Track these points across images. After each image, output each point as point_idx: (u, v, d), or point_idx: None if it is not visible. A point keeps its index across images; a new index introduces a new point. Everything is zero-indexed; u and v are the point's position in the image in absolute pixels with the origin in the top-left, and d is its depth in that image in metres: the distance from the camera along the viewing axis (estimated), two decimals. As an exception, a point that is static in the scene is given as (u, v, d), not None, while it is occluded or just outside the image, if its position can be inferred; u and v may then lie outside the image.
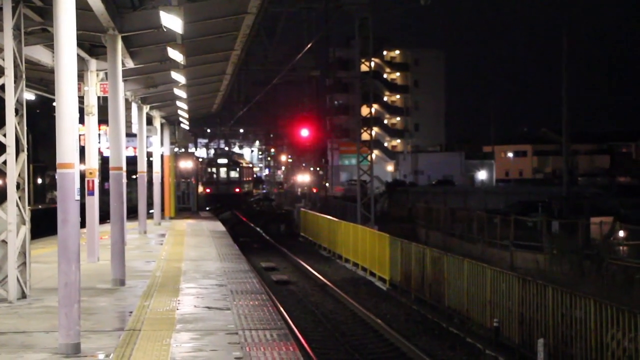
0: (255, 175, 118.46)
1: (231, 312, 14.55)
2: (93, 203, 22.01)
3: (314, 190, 79.43)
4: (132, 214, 41.72)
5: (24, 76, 15.21)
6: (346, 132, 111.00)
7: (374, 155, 53.77)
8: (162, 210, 44.28)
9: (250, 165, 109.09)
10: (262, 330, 13.00)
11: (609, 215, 39.11)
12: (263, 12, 21.93)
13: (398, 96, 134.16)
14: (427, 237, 47.50)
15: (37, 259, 21.82)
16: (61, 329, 11.25)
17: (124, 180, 19.86)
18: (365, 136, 51.76)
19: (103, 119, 21.90)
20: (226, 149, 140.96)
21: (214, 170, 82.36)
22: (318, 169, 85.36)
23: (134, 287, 17.71)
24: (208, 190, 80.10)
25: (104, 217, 27.61)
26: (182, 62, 21.41)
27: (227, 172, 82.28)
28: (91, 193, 21.88)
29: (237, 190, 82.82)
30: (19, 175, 15.09)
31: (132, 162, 35.80)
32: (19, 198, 15.07)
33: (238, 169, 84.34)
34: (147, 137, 36.89)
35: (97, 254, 22.27)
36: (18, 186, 15.05)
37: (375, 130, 66.52)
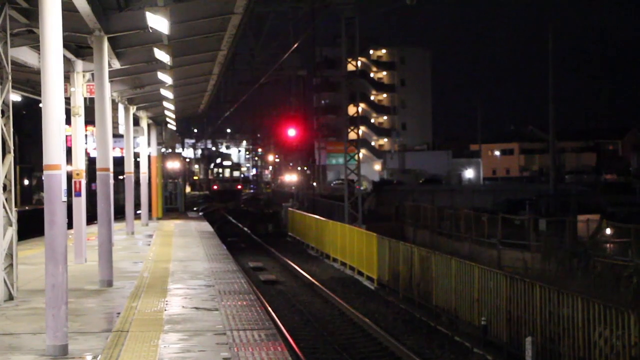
0: (243, 175, 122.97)
1: (219, 313, 14.54)
2: (80, 204, 21.95)
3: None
4: (120, 214, 41.67)
5: (9, 77, 15.17)
6: (333, 131, 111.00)
7: (361, 155, 53.80)
8: (150, 211, 44.21)
9: (243, 167, 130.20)
10: (250, 330, 13.00)
11: (596, 213, 39.27)
12: (249, 12, 21.91)
13: (385, 95, 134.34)
14: (415, 235, 47.56)
15: (24, 260, 21.75)
16: (48, 331, 11.23)
17: (111, 181, 19.83)
18: (352, 135, 51.78)
19: (90, 120, 21.87)
20: (213, 149, 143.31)
21: (220, 170, 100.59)
22: (305, 168, 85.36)
23: (121, 288, 17.68)
24: (215, 187, 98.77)
25: (91, 218, 27.56)
26: (168, 63, 21.40)
27: (231, 172, 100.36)
28: (78, 194, 21.81)
29: (239, 187, 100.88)
30: (6, 176, 15.05)
31: (119, 162, 35.76)
32: (6, 199, 15.03)
33: (239, 170, 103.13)
34: (134, 137, 36.80)
35: (85, 255, 22.22)
36: (5, 188, 15.02)
37: (362, 129, 66.62)
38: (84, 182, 21.73)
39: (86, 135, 28.64)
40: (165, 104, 35.10)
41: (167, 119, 45.59)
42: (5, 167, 15.00)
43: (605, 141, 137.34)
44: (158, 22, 16.64)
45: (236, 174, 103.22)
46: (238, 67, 58.81)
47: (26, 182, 73.58)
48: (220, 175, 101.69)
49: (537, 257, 32.67)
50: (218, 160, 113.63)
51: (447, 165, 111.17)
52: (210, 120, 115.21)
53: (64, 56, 16.24)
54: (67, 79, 21.10)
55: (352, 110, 53.02)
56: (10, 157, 15.13)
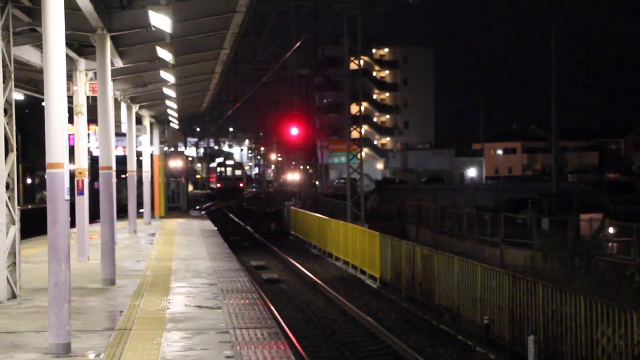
0: (246, 174, 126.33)
1: (222, 311, 14.55)
2: (83, 203, 21.97)
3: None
4: (122, 213, 41.71)
5: (12, 76, 15.18)
6: (336, 130, 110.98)
7: (363, 153, 53.81)
8: (152, 209, 44.23)
9: (246, 166, 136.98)
10: (253, 328, 13.01)
11: (599, 212, 39.22)
12: (252, 11, 21.90)
13: (387, 94, 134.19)
14: (417, 234, 47.55)
15: (27, 259, 21.78)
16: (51, 329, 11.24)
17: (114, 180, 19.84)
18: (354, 134, 51.77)
19: (92, 119, 21.87)
20: (216, 148, 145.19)
21: (223, 169, 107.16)
22: (308, 167, 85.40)
23: (124, 287, 17.70)
24: (219, 185, 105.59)
25: (94, 217, 27.56)
26: (171, 62, 21.38)
27: (233, 171, 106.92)
28: (81, 193, 21.83)
29: (241, 185, 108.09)
30: (9, 175, 15.06)
31: (121, 161, 35.77)
32: (9, 198, 15.04)
33: (241, 169, 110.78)
34: (137, 136, 36.83)
35: (87, 254, 22.24)
36: (7, 186, 15.03)
37: (364, 128, 66.60)
38: (86, 180, 21.76)
39: (89, 134, 28.65)
40: (167, 102, 35.10)
41: (170, 118, 45.61)
42: (8, 165, 15.01)
43: (608, 140, 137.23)
44: (161, 20, 16.64)
45: (238, 172, 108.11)
46: (240, 66, 58.81)
47: (29, 180, 73.65)
48: (223, 174, 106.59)
49: (539, 256, 32.65)
50: (221, 160, 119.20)
51: (449, 164, 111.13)
52: (213, 119, 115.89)
53: (67, 55, 16.28)
54: (70, 77, 21.15)
55: (354, 109, 53.04)
56: (13, 156, 15.14)
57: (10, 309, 14.64)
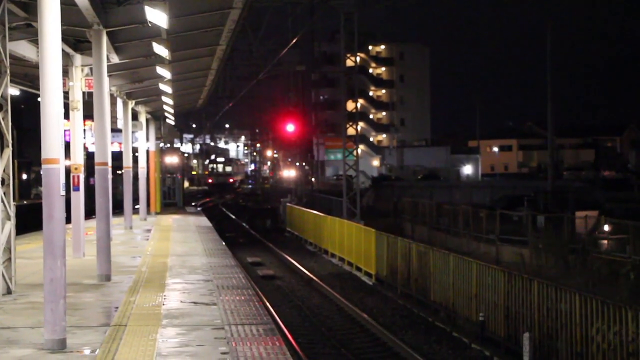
0: (245, 170, 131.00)
1: (217, 308, 14.55)
2: (78, 198, 21.95)
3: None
4: (118, 209, 41.67)
5: (8, 71, 15.15)
6: (332, 127, 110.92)
7: (359, 150, 53.76)
8: (148, 205, 44.20)
9: (243, 162, 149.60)
10: (249, 325, 13.01)
11: (594, 209, 39.23)
12: (248, 7, 21.89)
13: (383, 91, 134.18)
14: (413, 231, 47.52)
15: (23, 254, 21.76)
16: (47, 325, 11.23)
17: (110, 176, 19.82)
18: (351, 131, 51.72)
19: (88, 114, 21.86)
20: (212, 144, 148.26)
21: (214, 166, 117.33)
22: (304, 164, 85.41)
23: (119, 283, 17.69)
24: (210, 180, 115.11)
25: (90, 213, 27.53)
26: (167, 57, 21.38)
27: (224, 167, 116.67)
28: (76, 188, 21.82)
29: (231, 180, 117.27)
30: (4, 170, 15.04)
31: (117, 157, 35.74)
32: (4, 194, 15.02)
33: (231, 165, 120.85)
34: (133, 132, 36.78)
35: (83, 250, 22.22)
36: (3, 182, 15.01)
37: (360, 125, 66.54)
38: (82, 176, 21.74)
39: (85, 130, 28.62)
40: (163, 98, 35.09)
41: (166, 114, 45.58)
42: (3, 161, 14.99)
43: (604, 138, 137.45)
44: (157, 16, 16.64)
45: (228, 169, 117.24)
46: (237, 62, 58.82)
47: (24, 176, 73.63)
48: (214, 170, 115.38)
49: (535, 253, 32.65)
50: (212, 157, 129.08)
51: (445, 161, 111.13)
52: (209, 115, 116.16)
53: (63, 50, 16.26)
54: (66, 73, 21.12)
55: (350, 106, 52.94)
56: (8, 151, 15.12)
57: (6, 305, 14.63)
